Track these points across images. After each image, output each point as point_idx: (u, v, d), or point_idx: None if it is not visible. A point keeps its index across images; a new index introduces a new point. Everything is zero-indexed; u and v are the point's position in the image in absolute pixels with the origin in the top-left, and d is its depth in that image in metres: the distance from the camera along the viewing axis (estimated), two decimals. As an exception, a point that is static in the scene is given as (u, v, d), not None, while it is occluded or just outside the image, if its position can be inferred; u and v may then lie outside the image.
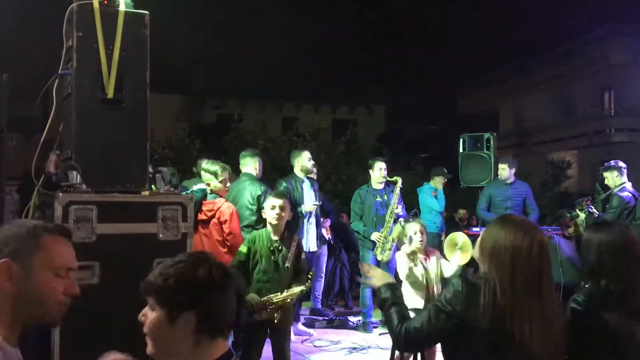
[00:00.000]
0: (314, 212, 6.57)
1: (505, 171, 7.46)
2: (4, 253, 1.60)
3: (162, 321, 1.60)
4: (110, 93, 3.14)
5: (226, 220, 4.68)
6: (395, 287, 2.53)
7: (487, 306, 2.16)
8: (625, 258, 2.40)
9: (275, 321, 4.06)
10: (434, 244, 7.63)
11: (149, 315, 1.64)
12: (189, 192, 4.69)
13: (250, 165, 5.98)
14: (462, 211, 12.13)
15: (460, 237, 4.60)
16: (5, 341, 1.60)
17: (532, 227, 2.33)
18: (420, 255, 4.72)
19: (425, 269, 4.59)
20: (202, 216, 4.65)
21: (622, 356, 2.32)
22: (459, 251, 4.50)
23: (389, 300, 2.43)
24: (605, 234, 2.46)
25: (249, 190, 5.65)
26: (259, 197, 5.60)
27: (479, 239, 2.37)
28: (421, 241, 4.72)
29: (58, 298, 1.65)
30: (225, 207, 4.74)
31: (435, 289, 4.45)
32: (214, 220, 4.68)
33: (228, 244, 4.67)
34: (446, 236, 8.45)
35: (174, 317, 1.59)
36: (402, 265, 4.59)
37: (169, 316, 1.59)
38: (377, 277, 2.59)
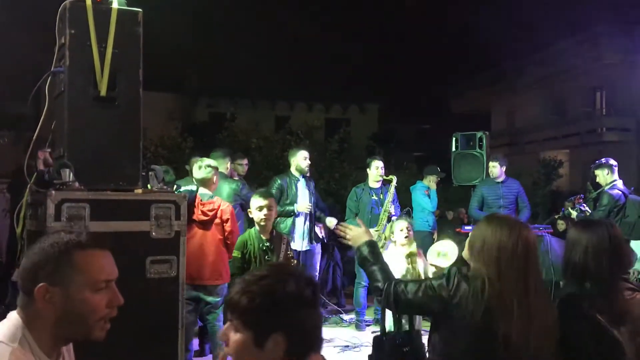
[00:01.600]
0: (302, 214, 6.59)
1: (496, 169, 7.49)
2: (41, 277, 1.58)
3: (249, 344, 1.47)
4: (103, 91, 3.14)
5: (228, 219, 4.69)
6: (374, 244, 2.61)
7: (473, 302, 2.19)
8: (610, 260, 2.41)
9: None
10: (425, 243, 7.67)
11: (232, 336, 1.50)
12: (180, 191, 4.68)
13: (222, 165, 6.03)
14: (451, 212, 12.22)
15: (445, 245, 4.56)
16: (48, 357, 1.61)
17: (518, 224, 2.36)
18: (406, 250, 4.77)
19: (412, 268, 4.62)
20: (202, 217, 4.63)
21: (608, 358, 2.33)
22: (442, 257, 4.50)
23: (369, 258, 2.53)
24: (592, 235, 2.45)
25: (226, 187, 5.72)
26: (235, 192, 5.69)
27: (468, 239, 2.40)
28: (407, 237, 4.79)
29: (101, 314, 1.62)
30: (225, 206, 4.75)
31: None
32: (217, 220, 4.68)
33: (228, 242, 4.68)
34: (438, 235, 8.53)
35: (262, 339, 1.45)
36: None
37: (256, 339, 1.46)
38: (355, 237, 2.65)
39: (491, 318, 2.18)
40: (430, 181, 8.24)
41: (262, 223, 4.23)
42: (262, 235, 4.23)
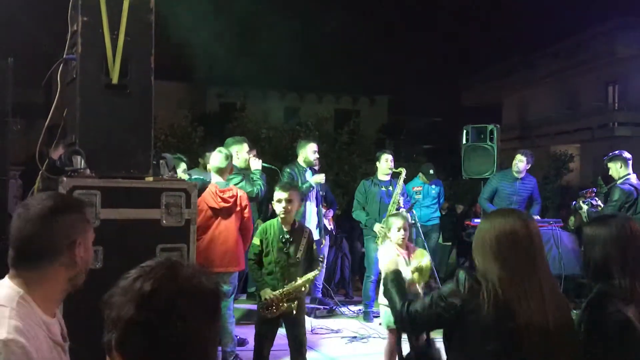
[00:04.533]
0: (313, 200, 6.62)
1: (522, 164, 7.38)
2: (64, 235, 1.67)
3: None
4: (114, 78, 3.14)
5: (246, 205, 4.73)
6: (397, 272, 2.70)
7: (488, 303, 2.16)
8: (632, 251, 2.37)
9: (294, 312, 4.14)
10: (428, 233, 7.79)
11: None
12: (197, 178, 4.71)
13: (241, 151, 6.01)
14: (460, 206, 12.21)
15: (425, 258, 4.41)
16: (48, 317, 1.68)
17: (517, 214, 2.35)
18: (402, 251, 4.66)
19: (407, 265, 4.56)
20: (223, 204, 4.66)
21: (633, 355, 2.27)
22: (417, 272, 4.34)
23: (391, 286, 2.61)
24: (610, 229, 2.40)
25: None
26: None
27: (473, 242, 2.36)
28: (403, 237, 4.68)
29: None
30: (242, 193, 4.80)
31: (417, 287, 4.36)
32: (237, 207, 4.72)
33: (244, 228, 4.74)
34: (441, 228, 8.59)
35: None
36: (384, 260, 4.55)
37: None
38: (386, 265, 2.80)
39: (507, 316, 2.15)
40: (424, 177, 8.30)
41: (282, 215, 4.25)
42: (283, 226, 4.26)
